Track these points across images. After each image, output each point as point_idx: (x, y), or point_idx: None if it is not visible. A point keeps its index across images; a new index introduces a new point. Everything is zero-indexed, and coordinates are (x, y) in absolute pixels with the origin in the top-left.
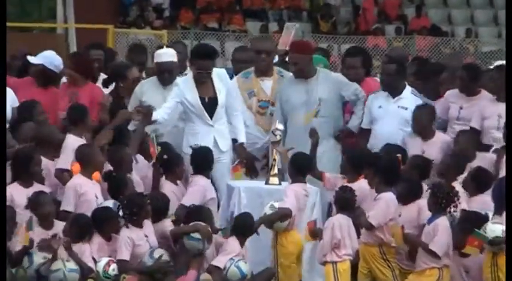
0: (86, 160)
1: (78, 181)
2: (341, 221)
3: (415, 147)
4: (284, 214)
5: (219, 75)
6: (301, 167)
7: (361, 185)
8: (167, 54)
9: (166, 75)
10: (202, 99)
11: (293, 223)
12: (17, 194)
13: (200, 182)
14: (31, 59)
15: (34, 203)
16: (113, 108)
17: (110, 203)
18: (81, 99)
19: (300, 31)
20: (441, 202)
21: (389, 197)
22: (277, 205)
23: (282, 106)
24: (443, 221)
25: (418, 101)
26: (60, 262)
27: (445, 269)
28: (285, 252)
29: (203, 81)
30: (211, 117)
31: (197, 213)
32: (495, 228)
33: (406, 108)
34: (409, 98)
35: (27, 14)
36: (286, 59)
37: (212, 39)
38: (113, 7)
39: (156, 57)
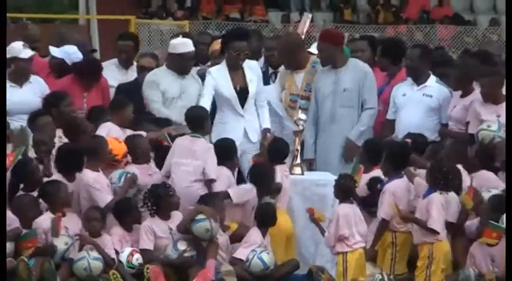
0: (137, 151)
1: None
2: (346, 211)
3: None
4: (276, 188)
5: (249, 65)
6: (280, 152)
7: (374, 176)
8: (184, 45)
9: (183, 65)
10: (234, 88)
11: (281, 201)
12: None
13: (224, 172)
14: (53, 50)
15: None
16: None
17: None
18: (91, 99)
19: (321, 20)
20: (439, 181)
21: (393, 187)
22: None
23: (315, 95)
24: (436, 197)
25: (443, 89)
26: (84, 251)
27: (437, 244)
28: (274, 232)
29: (236, 69)
30: (242, 107)
31: (208, 199)
32: None
33: (431, 96)
34: (434, 87)
35: (48, 6)
36: None
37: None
38: None
39: (171, 48)
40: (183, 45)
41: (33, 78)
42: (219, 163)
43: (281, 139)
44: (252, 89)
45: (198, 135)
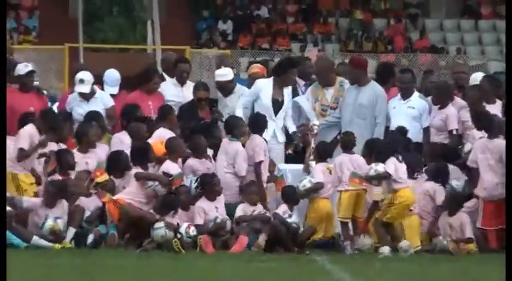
0: (172, 149)
1: (168, 166)
2: (342, 159)
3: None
4: (320, 187)
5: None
6: (325, 152)
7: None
8: (220, 75)
9: (220, 90)
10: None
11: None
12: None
13: (256, 141)
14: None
15: None
16: None
17: (188, 180)
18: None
19: (331, 50)
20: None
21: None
22: (313, 180)
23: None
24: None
25: (422, 102)
26: (161, 222)
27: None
28: (313, 215)
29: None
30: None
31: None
32: None
33: (414, 108)
34: (416, 100)
35: (125, 38)
36: None
37: (264, 56)
38: (189, 32)
39: (215, 76)
40: (216, 75)
41: (99, 93)
42: (254, 132)
43: (325, 142)
44: (286, 102)
45: (233, 139)
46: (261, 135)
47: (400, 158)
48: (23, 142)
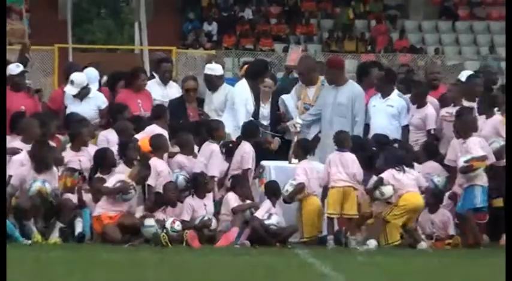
0: (156, 146)
1: (155, 162)
2: (334, 156)
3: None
4: (301, 187)
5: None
6: (306, 149)
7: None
8: (210, 69)
9: (207, 83)
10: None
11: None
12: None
13: (246, 148)
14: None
15: None
16: None
17: (175, 175)
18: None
19: (313, 50)
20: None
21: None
22: (294, 182)
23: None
24: None
25: (401, 100)
26: (152, 220)
27: None
28: (306, 212)
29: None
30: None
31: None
32: None
33: (393, 106)
34: (395, 99)
35: (113, 39)
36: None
37: (248, 56)
38: (175, 33)
39: (205, 69)
40: (205, 68)
41: (93, 93)
42: (245, 139)
43: (306, 139)
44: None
45: (212, 141)
46: (251, 142)
47: (401, 168)
48: (12, 169)
